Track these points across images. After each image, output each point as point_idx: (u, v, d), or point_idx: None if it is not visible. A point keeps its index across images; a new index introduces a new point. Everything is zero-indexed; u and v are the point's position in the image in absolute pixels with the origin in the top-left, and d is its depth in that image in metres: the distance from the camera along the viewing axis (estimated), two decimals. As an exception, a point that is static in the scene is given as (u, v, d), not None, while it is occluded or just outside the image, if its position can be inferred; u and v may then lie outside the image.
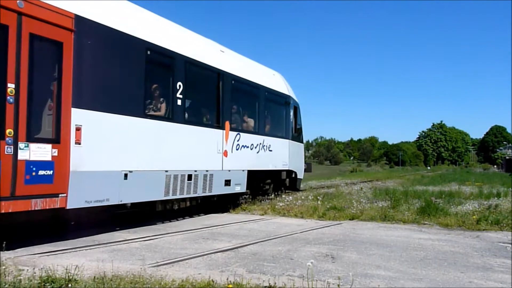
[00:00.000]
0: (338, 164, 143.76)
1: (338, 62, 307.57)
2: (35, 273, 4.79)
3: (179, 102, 9.76)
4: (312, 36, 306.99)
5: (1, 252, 6.02)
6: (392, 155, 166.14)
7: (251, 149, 13.03)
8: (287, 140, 15.66)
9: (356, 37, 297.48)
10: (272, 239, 8.35)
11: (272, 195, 15.21)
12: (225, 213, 12.57)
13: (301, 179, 17.55)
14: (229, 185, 11.87)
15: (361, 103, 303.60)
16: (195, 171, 10.36)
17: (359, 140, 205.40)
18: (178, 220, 10.90)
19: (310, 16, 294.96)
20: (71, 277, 4.66)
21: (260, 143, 13.53)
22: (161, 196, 9.36)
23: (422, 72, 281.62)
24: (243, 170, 12.56)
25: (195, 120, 10.92)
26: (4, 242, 6.23)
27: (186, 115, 10.25)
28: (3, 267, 5.29)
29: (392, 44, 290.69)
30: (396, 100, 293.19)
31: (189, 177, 10.16)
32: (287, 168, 15.57)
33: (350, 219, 11.34)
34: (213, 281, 4.87)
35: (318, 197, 14.57)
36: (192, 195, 10.40)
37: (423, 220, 10.91)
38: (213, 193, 11.25)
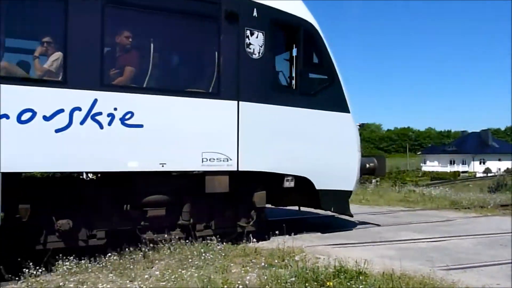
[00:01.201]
0: None
1: None
2: (329, 262, 5.26)
3: None
4: None
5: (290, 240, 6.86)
6: None
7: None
8: (233, 103, 6.63)
9: None
10: None
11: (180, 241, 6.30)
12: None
13: (340, 192, 7.98)
14: None
15: None
16: None
17: None
18: (461, 224, 10.02)
19: None
20: (361, 270, 4.90)
21: (75, 108, 5.52)
22: None
23: None
24: None
25: None
26: (292, 233, 7.01)
27: None
28: (304, 254, 6.03)
29: None
30: None
31: None
32: (230, 169, 6.60)
33: None
34: (516, 295, 4.26)
35: None
36: None
37: None
38: None
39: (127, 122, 5.85)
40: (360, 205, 13.82)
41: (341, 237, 7.85)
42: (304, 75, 7.55)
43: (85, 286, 4.77)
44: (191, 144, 6.34)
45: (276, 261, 5.60)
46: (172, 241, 6.17)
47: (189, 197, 6.62)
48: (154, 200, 6.32)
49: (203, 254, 5.73)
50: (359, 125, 8.59)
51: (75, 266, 5.35)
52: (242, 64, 6.71)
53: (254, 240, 6.57)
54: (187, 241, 6.25)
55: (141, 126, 5.93)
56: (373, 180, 22.41)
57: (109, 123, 5.72)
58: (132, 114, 5.87)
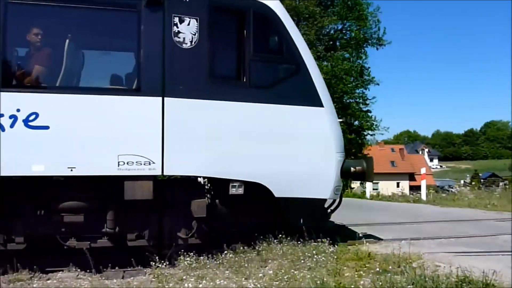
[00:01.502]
0: None
1: None
2: (451, 271, 4.90)
3: None
4: None
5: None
6: None
7: None
8: (157, 99, 5.89)
9: None
10: None
11: None
12: None
13: (312, 200, 6.59)
14: None
15: None
16: None
17: None
18: None
19: None
20: (488, 281, 4.49)
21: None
22: None
23: None
24: None
25: None
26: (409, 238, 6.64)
27: None
28: (422, 261, 5.70)
29: None
30: None
31: None
32: (153, 173, 5.88)
33: None
34: None
35: None
36: None
37: None
38: None
39: (31, 123, 5.45)
40: (485, 210, 12.73)
41: (463, 245, 7.28)
42: (257, 65, 6.37)
43: (204, 281, 5.06)
44: (105, 146, 5.70)
45: (391, 267, 5.37)
46: (284, 242, 6.26)
47: (113, 204, 5.91)
48: (69, 206, 5.77)
49: (315, 256, 5.73)
50: (341, 121, 6.99)
51: (195, 262, 5.69)
52: (168, 56, 5.94)
53: (367, 243, 6.38)
54: (299, 242, 6.29)
55: (46, 127, 5.50)
56: (501, 183, 20.42)
57: (11, 125, 5.38)
58: (37, 115, 5.47)
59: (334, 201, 6.99)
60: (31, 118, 5.43)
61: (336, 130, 6.81)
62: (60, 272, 5.66)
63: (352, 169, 7.04)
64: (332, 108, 6.81)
